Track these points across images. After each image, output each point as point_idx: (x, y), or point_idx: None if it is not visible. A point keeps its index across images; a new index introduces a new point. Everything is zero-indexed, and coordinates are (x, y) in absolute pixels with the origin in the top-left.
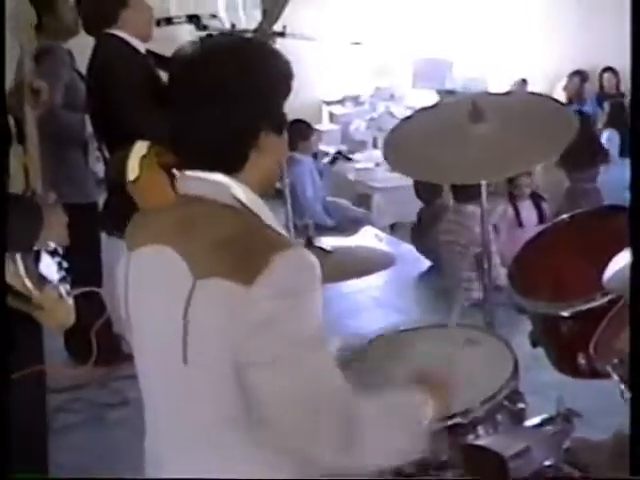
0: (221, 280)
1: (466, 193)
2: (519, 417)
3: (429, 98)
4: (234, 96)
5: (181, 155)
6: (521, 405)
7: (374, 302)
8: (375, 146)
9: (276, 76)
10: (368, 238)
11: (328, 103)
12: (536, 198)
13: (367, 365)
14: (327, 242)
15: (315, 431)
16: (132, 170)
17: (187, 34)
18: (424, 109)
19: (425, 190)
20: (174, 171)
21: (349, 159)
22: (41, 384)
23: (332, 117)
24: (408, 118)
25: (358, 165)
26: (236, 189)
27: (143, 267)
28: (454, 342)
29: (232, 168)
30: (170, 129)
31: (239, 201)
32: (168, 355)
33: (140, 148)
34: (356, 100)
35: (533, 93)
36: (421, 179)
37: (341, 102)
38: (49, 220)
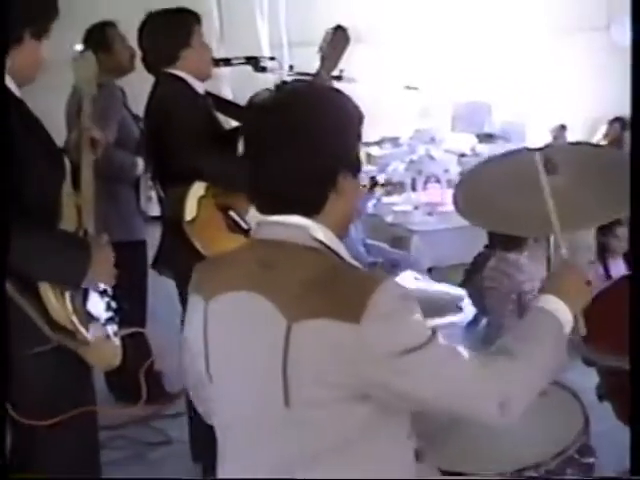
0: (323, 320)
1: (511, 241)
2: (589, 471)
3: (468, 141)
4: (313, 141)
5: (258, 200)
6: (591, 459)
7: None
8: (414, 189)
9: (351, 119)
10: (408, 281)
11: (366, 144)
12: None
13: None
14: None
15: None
16: (190, 210)
17: None
18: (492, 159)
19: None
20: (231, 213)
21: (385, 186)
22: (93, 423)
23: (370, 158)
24: (477, 168)
25: (396, 207)
26: (316, 230)
27: (225, 316)
28: None
29: (311, 211)
30: (248, 175)
31: (320, 242)
32: (264, 401)
33: (198, 189)
34: (395, 142)
35: (601, 145)
36: (495, 230)
37: (379, 144)
38: (97, 259)
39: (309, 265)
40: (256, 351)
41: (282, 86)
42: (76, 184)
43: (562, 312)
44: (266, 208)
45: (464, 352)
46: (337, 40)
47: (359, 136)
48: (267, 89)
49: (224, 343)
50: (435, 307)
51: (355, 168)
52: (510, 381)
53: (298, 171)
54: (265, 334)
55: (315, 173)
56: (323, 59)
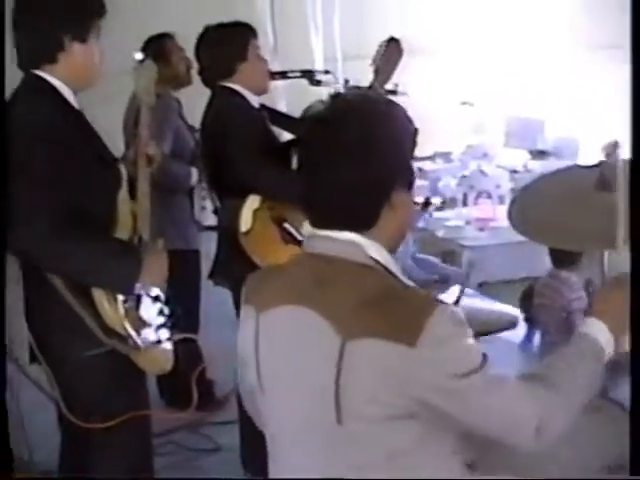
0: (378, 341)
1: (563, 259)
2: None
3: (520, 157)
4: (367, 155)
5: (311, 214)
6: None
7: None
8: (465, 204)
9: (406, 132)
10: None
11: (418, 159)
12: None
13: None
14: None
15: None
16: (245, 222)
17: None
18: (547, 175)
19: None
20: (286, 225)
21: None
22: (146, 428)
23: (421, 173)
24: (532, 184)
25: (447, 222)
26: (370, 248)
27: (278, 329)
28: None
29: (364, 226)
30: (302, 188)
31: (375, 261)
32: (315, 417)
33: (253, 201)
34: (447, 157)
35: None
36: (551, 246)
37: (431, 158)
38: (148, 266)
39: (364, 283)
40: (308, 366)
41: (336, 98)
42: (132, 192)
43: (604, 334)
44: (319, 222)
45: (509, 378)
46: (390, 53)
47: (413, 149)
48: (321, 101)
49: (275, 356)
50: (488, 324)
51: (409, 182)
52: (549, 410)
53: (351, 186)
54: (318, 350)
55: (368, 188)
56: (377, 72)
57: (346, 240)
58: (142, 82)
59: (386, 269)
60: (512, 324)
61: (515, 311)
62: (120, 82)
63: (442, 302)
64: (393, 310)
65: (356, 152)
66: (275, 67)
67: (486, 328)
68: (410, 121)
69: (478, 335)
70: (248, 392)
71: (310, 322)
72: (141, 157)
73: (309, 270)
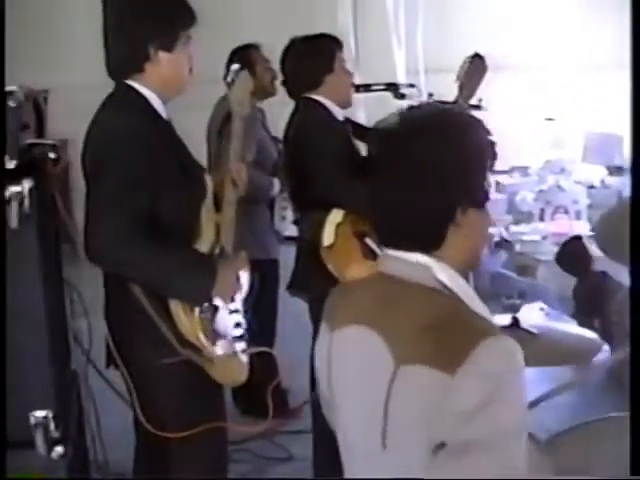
0: (424, 367)
1: None
2: None
3: (598, 173)
4: (433, 173)
5: (379, 232)
6: None
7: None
8: (542, 219)
9: (478, 148)
10: (534, 312)
11: (495, 172)
12: None
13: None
14: (532, 322)
15: None
16: (328, 236)
17: None
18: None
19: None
20: (367, 240)
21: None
22: (222, 438)
23: (499, 187)
24: (617, 206)
25: (524, 237)
26: (440, 272)
27: (345, 348)
28: None
29: (430, 246)
30: (369, 204)
31: (444, 285)
32: (368, 437)
33: (336, 215)
34: (524, 171)
35: None
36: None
37: (509, 172)
38: (223, 278)
39: (427, 308)
40: (366, 388)
41: (404, 114)
42: (217, 203)
43: None
44: (386, 241)
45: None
46: (474, 69)
47: (489, 163)
48: (393, 114)
49: (343, 375)
50: (567, 351)
51: (479, 199)
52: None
53: (415, 205)
54: (375, 372)
55: (432, 209)
56: (461, 88)
57: (415, 262)
58: (237, 93)
59: (454, 294)
60: (597, 350)
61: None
62: (204, 91)
63: (499, 333)
64: (446, 337)
65: (421, 170)
66: (356, 80)
67: (570, 354)
68: (484, 135)
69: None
70: (325, 406)
71: (371, 344)
72: (229, 169)
73: (378, 291)
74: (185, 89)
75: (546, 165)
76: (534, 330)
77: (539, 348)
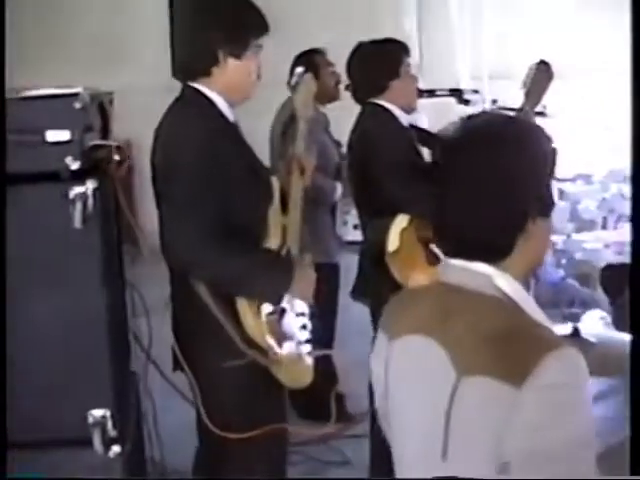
0: (488, 379)
1: None
2: None
3: None
4: (503, 184)
5: (444, 241)
6: None
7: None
8: (604, 227)
9: (544, 155)
10: (594, 321)
11: (559, 180)
12: None
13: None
14: (592, 331)
15: None
16: (392, 242)
17: None
18: None
19: None
20: (432, 246)
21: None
22: (283, 441)
23: (562, 195)
24: None
25: (586, 245)
26: (500, 280)
27: (405, 358)
28: None
29: (498, 256)
30: (436, 213)
31: (504, 293)
32: (427, 448)
33: (401, 221)
34: (588, 179)
35: None
36: None
37: (572, 180)
38: (299, 278)
39: (488, 318)
40: (427, 398)
41: (468, 122)
42: (284, 205)
43: None
44: (451, 250)
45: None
46: (540, 75)
47: (552, 171)
48: (457, 122)
49: (401, 384)
50: (625, 361)
51: (546, 208)
52: None
53: (484, 216)
54: (435, 383)
55: (503, 219)
56: (527, 95)
57: (476, 271)
58: (301, 96)
59: (516, 304)
60: None
61: None
62: (269, 95)
63: (565, 345)
64: (510, 348)
65: (490, 181)
66: (420, 85)
67: (624, 369)
68: (548, 142)
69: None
70: (380, 413)
71: (431, 353)
72: (295, 169)
73: (438, 300)
74: (252, 95)
75: (609, 173)
76: (593, 339)
77: (598, 357)
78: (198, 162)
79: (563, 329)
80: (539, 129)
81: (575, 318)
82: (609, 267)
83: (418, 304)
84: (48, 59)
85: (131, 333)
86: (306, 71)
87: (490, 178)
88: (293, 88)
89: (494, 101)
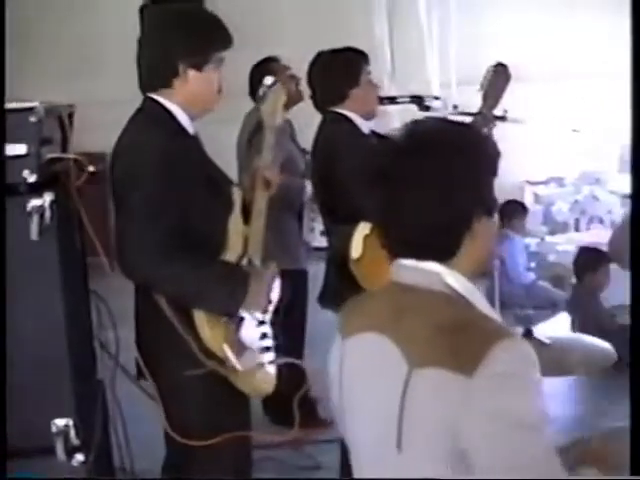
0: (440, 370)
1: None
2: None
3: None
4: (447, 187)
5: (393, 244)
6: None
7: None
8: (577, 229)
9: (488, 158)
10: (565, 322)
11: (532, 183)
12: None
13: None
14: (545, 333)
15: None
16: (356, 249)
17: None
18: None
19: None
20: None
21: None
22: (246, 447)
23: (536, 197)
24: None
25: (559, 247)
26: (449, 278)
27: (358, 355)
28: None
29: (445, 255)
30: (382, 216)
31: (453, 289)
32: (381, 442)
33: (364, 228)
34: (560, 182)
35: None
36: None
37: (545, 183)
38: (255, 289)
39: (438, 312)
40: (380, 393)
41: (412, 127)
42: (247, 215)
43: None
44: (401, 252)
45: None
46: (498, 78)
47: (494, 174)
48: (402, 127)
49: (354, 381)
50: (579, 361)
51: (491, 208)
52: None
53: (432, 218)
54: (388, 377)
55: (450, 220)
56: (485, 97)
57: (427, 270)
58: (270, 106)
59: (465, 299)
60: (610, 361)
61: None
62: (233, 105)
63: (513, 334)
64: (460, 340)
65: (436, 184)
66: (392, 92)
67: (583, 364)
68: (493, 146)
69: (577, 372)
70: (335, 410)
71: (383, 349)
72: (260, 179)
73: (391, 299)
74: (214, 108)
75: (581, 175)
76: (547, 340)
77: (549, 358)
78: (155, 174)
79: (515, 331)
80: (482, 133)
81: (529, 320)
82: (584, 250)
83: (370, 304)
84: (27, 73)
85: (97, 342)
86: (275, 82)
87: (436, 181)
88: (261, 98)
89: (455, 107)
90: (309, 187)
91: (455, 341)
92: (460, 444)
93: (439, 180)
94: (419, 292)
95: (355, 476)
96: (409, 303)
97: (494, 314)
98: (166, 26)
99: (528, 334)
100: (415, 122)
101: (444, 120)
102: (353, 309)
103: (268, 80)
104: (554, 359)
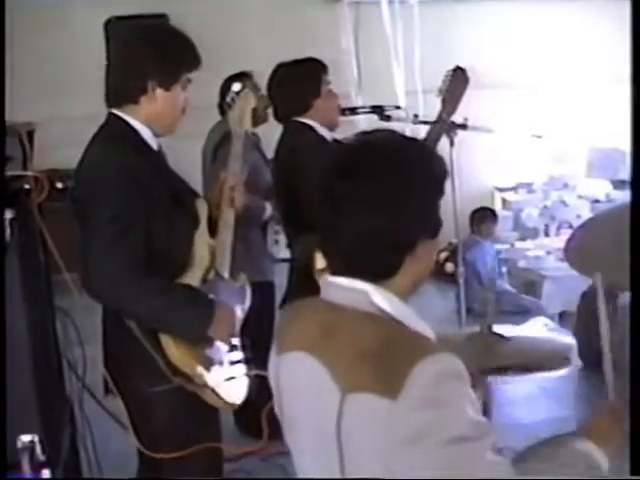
0: (369, 395)
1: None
2: None
3: (602, 188)
4: (391, 208)
5: (333, 262)
6: None
7: (541, 392)
8: (547, 234)
9: (435, 178)
10: (537, 327)
11: (501, 190)
12: None
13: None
14: (506, 330)
15: None
16: (320, 260)
17: None
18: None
19: None
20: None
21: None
22: (217, 459)
23: (504, 203)
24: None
25: (529, 252)
26: (377, 296)
27: (291, 374)
28: None
29: (385, 276)
30: (324, 235)
31: (380, 309)
32: (324, 462)
33: None
34: (529, 187)
35: None
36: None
37: (514, 189)
38: (220, 318)
39: (365, 334)
40: (314, 415)
41: (361, 140)
42: (213, 227)
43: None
44: (339, 270)
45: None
46: (456, 82)
47: (442, 193)
48: (347, 141)
49: (290, 400)
50: (539, 357)
51: (435, 231)
52: None
53: (373, 239)
54: (321, 401)
55: (392, 241)
56: (443, 102)
57: (353, 288)
58: (238, 112)
59: (393, 318)
60: (570, 357)
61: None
62: (202, 118)
63: (436, 352)
64: (385, 362)
65: (380, 204)
66: (359, 102)
67: (543, 360)
68: (440, 164)
69: (537, 368)
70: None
71: (315, 371)
72: (226, 193)
73: (319, 317)
74: (175, 129)
75: (550, 181)
76: (506, 335)
77: (510, 353)
78: (119, 193)
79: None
80: (431, 151)
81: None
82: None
83: (302, 321)
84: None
85: (65, 361)
86: (243, 87)
87: (380, 202)
88: (229, 105)
89: (416, 115)
90: (269, 208)
91: (380, 364)
92: (392, 467)
93: (384, 200)
94: (346, 311)
95: None
96: (337, 323)
97: (426, 330)
98: (136, 43)
99: (488, 330)
100: (363, 135)
101: (394, 134)
102: (285, 325)
103: (236, 86)
104: (512, 355)
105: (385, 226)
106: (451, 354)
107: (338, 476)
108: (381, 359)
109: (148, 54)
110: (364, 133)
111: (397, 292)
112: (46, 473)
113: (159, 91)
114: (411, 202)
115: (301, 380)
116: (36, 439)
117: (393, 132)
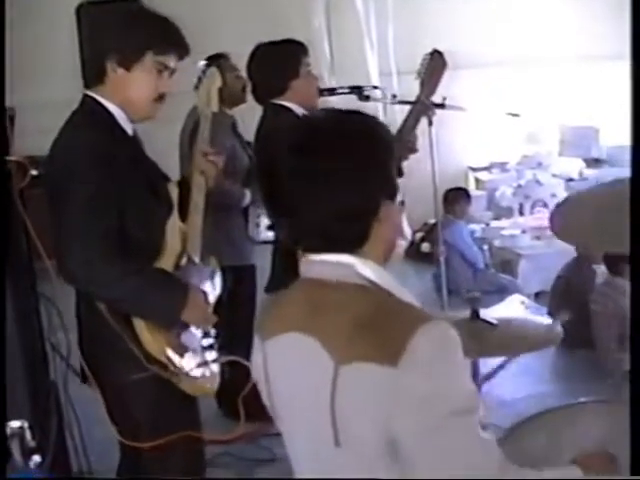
0: (365, 364)
1: (619, 265)
2: None
3: (576, 166)
4: (349, 178)
5: (301, 240)
6: None
7: (523, 368)
8: (521, 213)
9: (386, 142)
10: (514, 306)
11: (474, 169)
12: None
13: (522, 445)
14: (492, 314)
15: None
16: None
17: None
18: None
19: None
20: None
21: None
22: (197, 445)
23: (478, 183)
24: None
25: (504, 232)
26: (362, 267)
27: (281, 356)
28: (618, 420)
29: (356, 245)
30: (285, 215)
31: (368, 280)
32: (318, 439)
33: None
34: (503, 167)
35: None
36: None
37: (488, 169)
38: (192, 302)
39: (356, 305)
40: (308, 392)
41: (306, 121)
42: (184, 212)
43: None
44: (310, 247)
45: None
46: (434, 65)
47: (393, 157)
48: (295, 123)
49: (281, 383)
50: (527, 340)
51: (393, 193)
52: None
53: (339, 210)
54: (315, 375)
55: (357, 209)
56: (422, 85)
57: (338, 262)
58: (204, 90)
59: (380, 288)
60: (557, 339)
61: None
62: (178, 103)
63: (433, 319)
64: (381, 331)
65: (337, 177)
66: (332, 83)
67: (530, 343)
68: (386, 130)
69: (525, 350)
70: (270, 410)
71: (307, 348)
72: (197, 169)
73: (305, 296)
74: (152, 115)
75: (523, 160)
76: (494, 321)
77: (497, 338)
78: (92, 175)
79: (463, 313)
80: (375, 120)
81: (476, 302)
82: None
83: (286, 304)
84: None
85: (49, 345)
86: (209, 65)
87: (338, 171)
88: (196, 87)
89: (394, 96)
90: (249, 195)
91: (376, 333)
92: (394, 435)
93: (341, 170)
94: (333, 286)
95: (294, 469)
96: (325, 298)
97: (413, 300)
98: (97, 23)
99: (475, 316)
100: (306, 116)
101: (335, 110)
102: (269, 311)
103: (201, 64)
104: (500, 339)
105: (351, 195)
106: (447, 322)
107: (332, 452)
108: (377, 328)
109: (107, 33)
110: (309, 114)
111: (373, 259)
112: (37, 459)
113: (121, 71)
114: (369, 167)
115: (295, 361)
116: (26, 425)
117: (333, 109)
